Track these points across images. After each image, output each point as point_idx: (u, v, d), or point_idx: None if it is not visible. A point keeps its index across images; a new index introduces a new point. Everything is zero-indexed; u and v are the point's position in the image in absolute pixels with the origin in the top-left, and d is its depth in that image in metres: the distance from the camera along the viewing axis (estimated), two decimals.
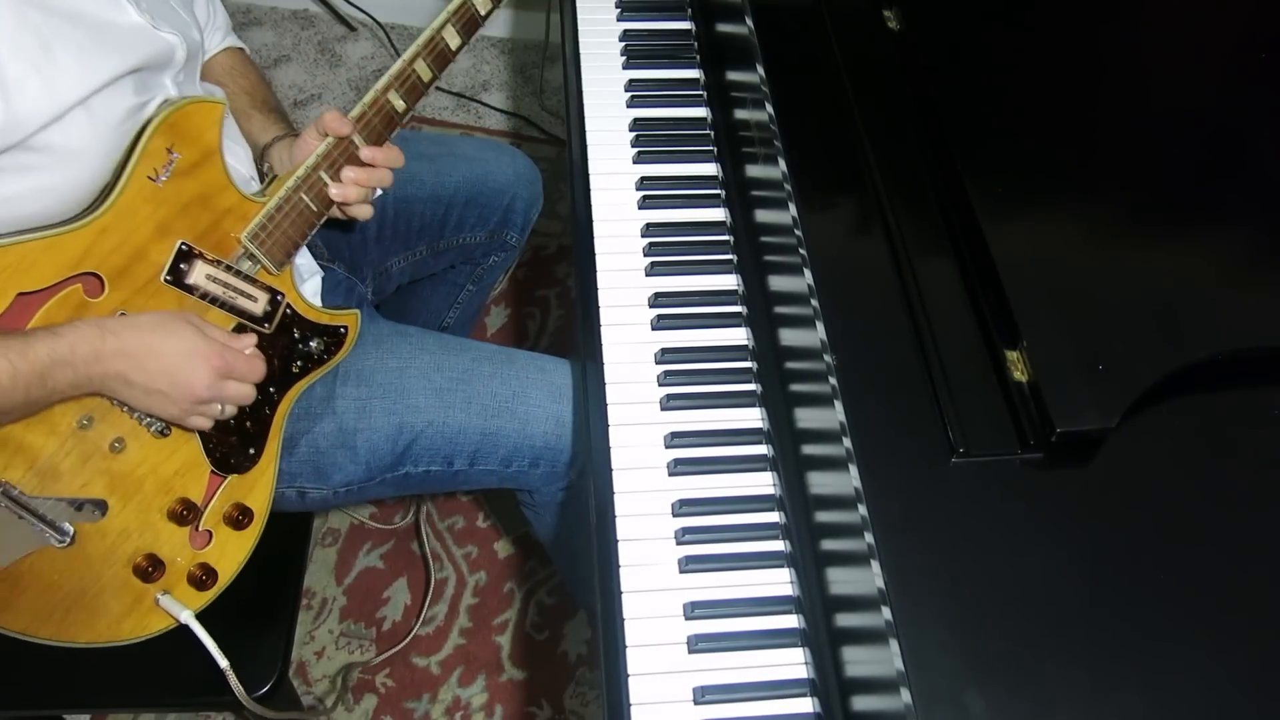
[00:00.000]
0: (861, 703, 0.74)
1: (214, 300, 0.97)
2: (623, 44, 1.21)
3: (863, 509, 0.71)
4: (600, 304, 0.99)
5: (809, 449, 0.85)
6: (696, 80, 1.18)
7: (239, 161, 1.06)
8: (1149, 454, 0.73)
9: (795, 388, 0.89)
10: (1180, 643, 0.66)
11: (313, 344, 1.05)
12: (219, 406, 0.95)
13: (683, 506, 0.87)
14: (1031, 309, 0.76)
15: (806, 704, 0.78)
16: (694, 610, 0.81)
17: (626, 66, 1.19)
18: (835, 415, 0.77)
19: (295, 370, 1.05)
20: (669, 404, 0.93)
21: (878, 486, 0.72)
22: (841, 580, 0.77)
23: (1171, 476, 0.73)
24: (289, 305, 1.03)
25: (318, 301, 1.11)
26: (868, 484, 0.72)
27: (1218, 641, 0.66)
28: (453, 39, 1.06)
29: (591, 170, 1.10)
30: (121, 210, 0.89)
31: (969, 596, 0.67)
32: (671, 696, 0.78)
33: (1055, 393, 0.72)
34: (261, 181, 1.09)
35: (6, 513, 0.88)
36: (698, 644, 0.80)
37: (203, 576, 1.00)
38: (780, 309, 0.93)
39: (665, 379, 0.94)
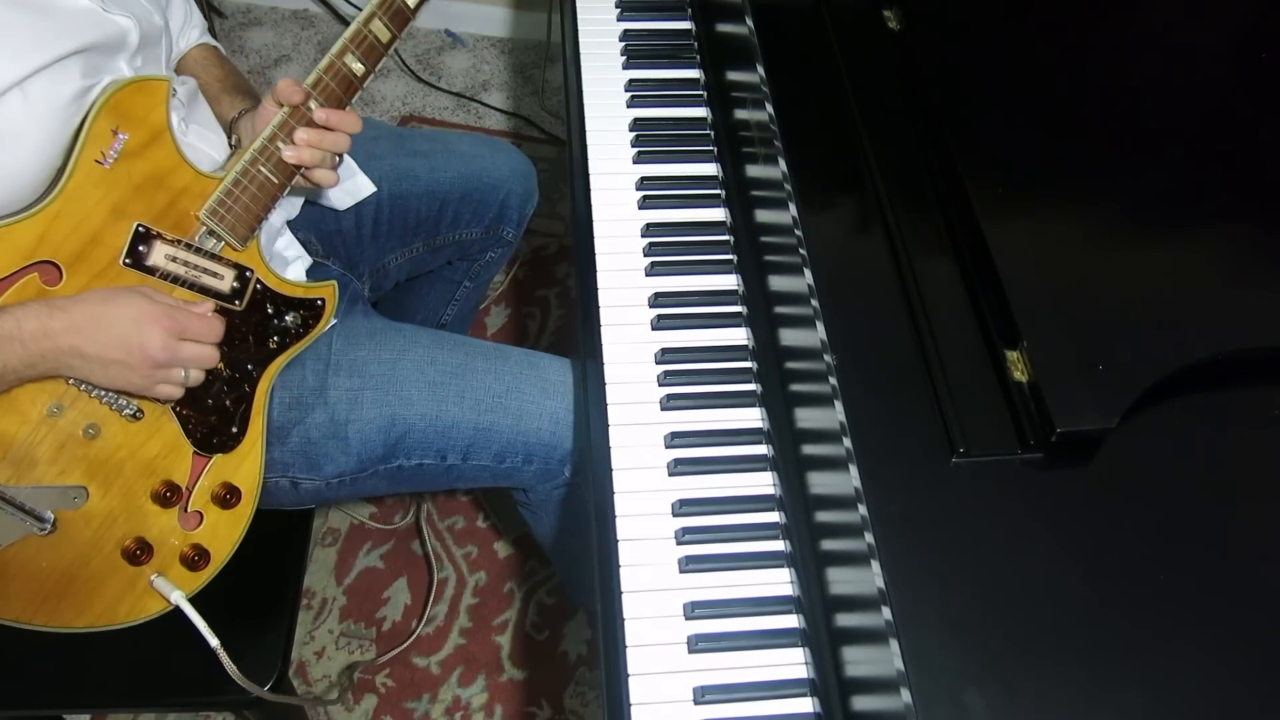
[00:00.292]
0: (861, 703, 0.74)
1: (178, 280, 0.95)
2: (623, 44, 1.21)
3: (863, 509, 0.72)
4: (600, 304, 0.99)
5: (809, 449, 0.85)
6: (696, 80, 1.18)
7: (212, 147, 1.05)
8: (1149, 454, 0.73)
9: (795, 388, 0.89)
10: (1180, 643, 0.66)
11: (288, 318, 1.04)
12: (181, 371, 0.93)
13: (683, 506, 0.87)
14: (1031, 309, 0.76)
15: (806, 704, 0.78)
16: (694, 610, 0.81)
17: (627, 66, 1.19)
18: (835, 415, 0.77)
19: (273, 346, 1.03)
20: (669, 404, 0.93)
21: (878, 486, 0.72)
22: (841, 580, 0.77)
23: (1171, 477, 0.73)
24: (259, 280, 1.01)
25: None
26: (868, 484, 0.72)
27: (1218, 641, 0.66)
28: None
29: (591, 170, 1.10)
30: (71, 195, 0.88)
31: (969, 596, 0.67)
32: (671, 696, 0.78)
33: (1055, 393, 0.72)
34: None
35: None
36: (698, 644, 0.80)
37: (195, 558, 1.00)
38: (780, 309, 0.93)
39: (665, 379, 0.94)
